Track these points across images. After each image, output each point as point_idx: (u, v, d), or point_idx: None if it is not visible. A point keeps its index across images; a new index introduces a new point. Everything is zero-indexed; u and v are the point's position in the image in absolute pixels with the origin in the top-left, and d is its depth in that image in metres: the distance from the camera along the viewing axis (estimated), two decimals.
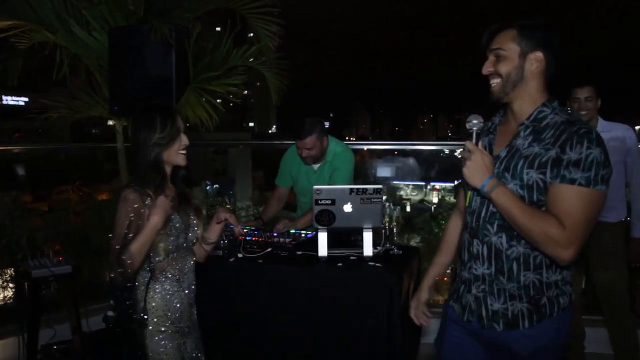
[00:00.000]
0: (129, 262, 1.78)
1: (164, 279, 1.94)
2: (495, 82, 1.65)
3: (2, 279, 4.00)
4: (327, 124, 3.36)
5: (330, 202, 2.65)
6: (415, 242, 4.64)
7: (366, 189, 2.62)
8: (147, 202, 1.86)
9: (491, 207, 1.64)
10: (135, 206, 1.85)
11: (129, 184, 1.92)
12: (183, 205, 2.03)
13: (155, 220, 1.80)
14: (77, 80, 3.76)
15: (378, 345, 2.46)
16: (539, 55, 1.61)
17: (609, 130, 3.05)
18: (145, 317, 1.89)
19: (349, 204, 2.63)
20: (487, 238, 1.66)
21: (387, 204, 2.85)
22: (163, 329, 1.93)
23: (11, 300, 3.96)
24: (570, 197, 1.49)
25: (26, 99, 38.99)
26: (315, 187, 2.67)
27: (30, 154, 5.07)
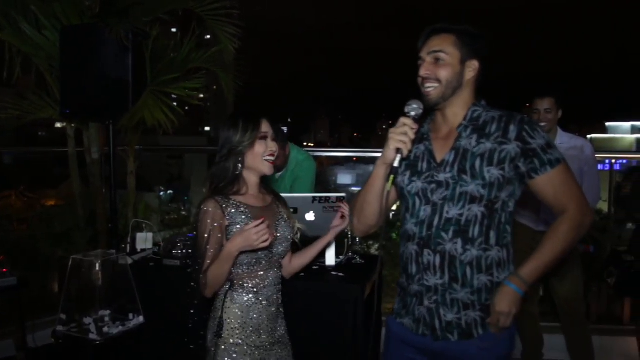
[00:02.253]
0: (204, 283, 1.78)
1: (241, 290, 1.85)
2: (432, 85, 1.62)
3: None
4: (285, 129, 3.32)
5: (292, 210, 2.60)
6: (374, 249, 4.64)
7: (328, 197, 2.59)
8: (228, 211, 1.80)
9: (445, 214, 1.60)
10: (214, 218, 1.79)
11: (209, 195, 1.84)
12: (273, 215, 1.93)
13: (229, 249, 1.73)
14: (26, 80, 3.58)
15: (343, 356, 2.42)
16: (475, 63, 1.64)
17: (567, 141, 3.13)
18: (221, 326, 1.83)
19: (311, 212, 2.60)
20: (441, 246, 1.61)
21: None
22: (237, 341, 1.83)
23: None
24: (561, 176, 1.58)
25: None
26: None
27: None
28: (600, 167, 3.40)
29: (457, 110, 1.65)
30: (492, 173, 1.56)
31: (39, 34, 3.26)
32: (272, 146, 1.87)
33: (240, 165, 1.85)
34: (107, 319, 2.44)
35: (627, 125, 63.41)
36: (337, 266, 2.69)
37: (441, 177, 1.61)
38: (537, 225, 3.18)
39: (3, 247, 4.00)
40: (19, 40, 3.25)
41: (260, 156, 1.85)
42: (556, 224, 1.62)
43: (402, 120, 1.57)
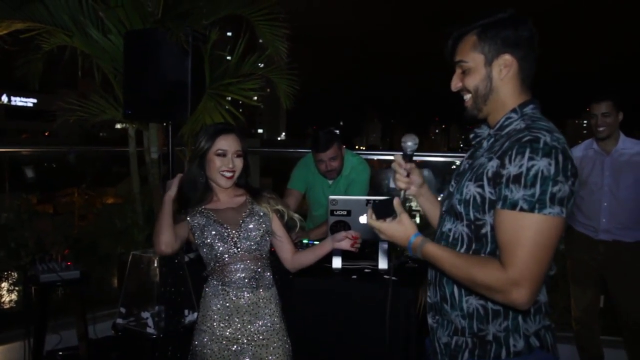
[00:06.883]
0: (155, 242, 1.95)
1: (213, 282, 1.98)
2: (467, 96, 1.47)
3: (8, 283, 3.95)
4: (338, 133, 3.31)
5: (345, 212, 2.59)
6: None
7: (382, 200, 2.56)
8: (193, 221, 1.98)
9: (442, 227, 1.49)
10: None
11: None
12: (237, 214, 2.00)
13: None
14: (89, 82, 3.74)
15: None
16: (507, 58, 1.38)
17: (631, 147, 2.97)
18: (194, 313, 2.07)
19: (365, 215, 2.57)
20: None
21: None
22: (205, 328, 1.95)
23: (16, 304, 3.91)
24: (513, 226, 1.24)
25: (34, 100, 39.42)
26: (331, 197, 2.62)
27: (39, 155, 5.08)
28: None
29: (496, 116, 1.43)
30: (469, 189, 1.36)
31: (104, 38, 3.41)
32: (229, 162, 1.94)
33: (203, 172, 1.98)
34: (163, 314, 2.50)
35: None
36: (390, 269, 2.66)
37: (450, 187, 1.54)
38: (596, 234, 3.04)
39: (66, 241, 4.19)
40: (86, 44, 3.40)
41: (216, 170, 1.94)
42: (492, 260, 1.29)
43: (395, 159, 1.58)
